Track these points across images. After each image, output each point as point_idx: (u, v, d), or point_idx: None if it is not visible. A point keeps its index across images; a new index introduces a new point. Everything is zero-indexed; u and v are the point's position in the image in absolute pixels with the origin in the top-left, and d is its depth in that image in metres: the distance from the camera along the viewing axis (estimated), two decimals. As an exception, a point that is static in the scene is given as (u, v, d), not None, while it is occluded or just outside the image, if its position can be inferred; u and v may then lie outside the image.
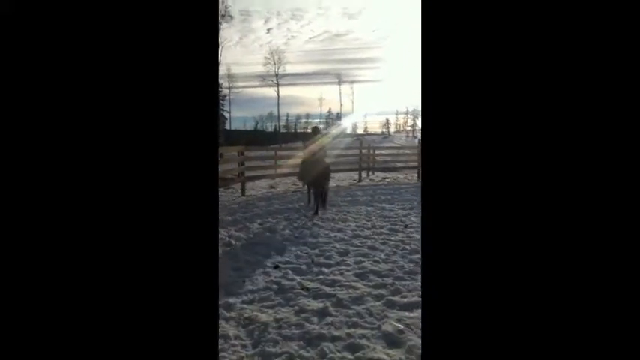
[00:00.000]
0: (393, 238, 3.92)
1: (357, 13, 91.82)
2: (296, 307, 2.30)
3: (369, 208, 5.57)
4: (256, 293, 2.52)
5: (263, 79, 38.44)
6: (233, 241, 3.77)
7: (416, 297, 2.42)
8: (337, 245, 3.65)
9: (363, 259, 3.23)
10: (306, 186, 5.93)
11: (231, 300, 2.40)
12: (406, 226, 4.43)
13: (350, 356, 1.81)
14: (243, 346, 1.90)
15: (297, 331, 2.02)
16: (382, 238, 3.89)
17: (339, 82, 49.46)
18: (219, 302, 2.34)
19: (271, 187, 7.85)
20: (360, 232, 4.15)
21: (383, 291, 2.54)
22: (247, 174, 7.25)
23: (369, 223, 4.64)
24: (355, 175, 9.52)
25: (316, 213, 5.07)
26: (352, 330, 2.03)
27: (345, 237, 3.96)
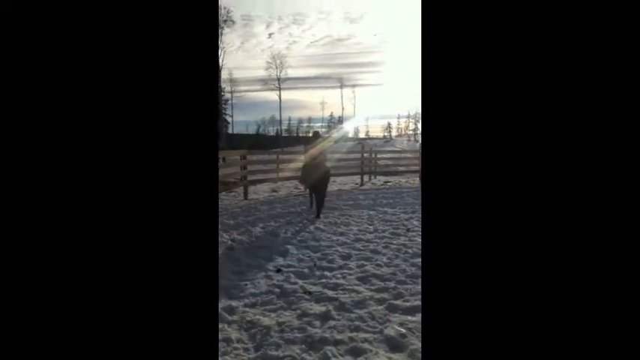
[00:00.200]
0: (395, 241, 3.91)
1: (359, 18, 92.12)
2: (298, 311, 2.30)
3: (371, 212, 5.56)
4: (258, 297, 2.53)
5: (265, 83, 38.59)
6: (235, 245, 3.78)
7: (418, 301, 2.41)
8: (339, 249, 3.65)
9: (365, 262, 3.22)
10: (307, 189, 5.94)
11: (234, 303, 2.40)
12: (408, 230, 4.43)
13: (352, 360, 1.80)
14: (246, 350, 1.90)
15: (299, 335, 2.02)
16: (384, 242, 3.89)
17: (341, 86, 49.58)
18: (222, 306, 2.34)
19: (273, 190, 7.85)
20: (362, 236, 4.15)
21: (385, 295, 2.54)
22: (250, 178, 7.27)
23: (371, 226, 4.64)
24: (357, 179, 9.52)
25: (318, 216, 5.09)
26: (354, 334, 2.03)
27: (348, 241, 3.96)
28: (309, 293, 2.59)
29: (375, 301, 2.44)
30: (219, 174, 6.12)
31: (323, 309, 2.31)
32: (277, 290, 2.64)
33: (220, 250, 3.56)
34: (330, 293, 2.57)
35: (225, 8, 24.83)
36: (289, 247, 3.71)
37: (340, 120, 52.91)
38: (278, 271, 3.04)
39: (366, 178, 9.84)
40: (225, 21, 24.85)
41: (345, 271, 3.03)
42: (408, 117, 54.00)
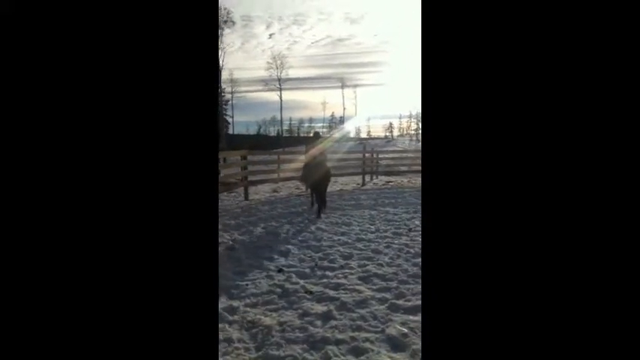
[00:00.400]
0: (396, 241, 3.91)
1: (359, 18, 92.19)
2: (300, 311, 2.30)
3: (372, 212, 5.56)
4: (260, 297, 2.53)
5: (266, 83, 38.67)
6: (236, 245, 3.78)
7: (420, 301, 2.40)
8: (341, 249, 3.65)
9: (366, 262, 3.22)
10: (309, 189, 5.95)
11: (235, 303, 2.40)
12: (410, 230, 4.42)
13: (354, 360, 1.80)
14: (247, 350, 1.89)
15: (301, 335, 2.01)
16: (386, 242, 3.88)
17: (342, 86, 49.60)
18: (223, 306, 2.34)
19: (274, 191, 7.85)
20: (363, 236, 4.15)
21: (387, 294, 2.53)
22: (250, 178, 7.27)
23: (372, 226, 4.64)
24: (359, 179, 9.52)
25: (319, 216, 5.09)
26: (356, 333, 2.02)
27: (349, 240, 3.96)
28: (311, 293, 2.58)
29: (376, 301, 2.43)
30: (220, 174, 6.13)
31: (324, 309, 2.31)
32: (278, 290, 2.63)
33: (221, 251, 3.56)
34: (332, 293, 2.57)
35: (225, 9, 24.90)
36: (290, 247, 3.72)
37: (342, 120, 52.96)
38: (279, 271, 3.04)
39: (367, 178, 9.84)
40: (225, 22, 24.90)
41: (347, 270, 3.03)
42: (410, 117, 53.95)
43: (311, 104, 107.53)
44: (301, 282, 2.79)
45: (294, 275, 2.93)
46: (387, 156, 12.80)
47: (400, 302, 2.40)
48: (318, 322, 2.15)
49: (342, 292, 2.59)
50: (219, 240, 3.83)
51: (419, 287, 2.63)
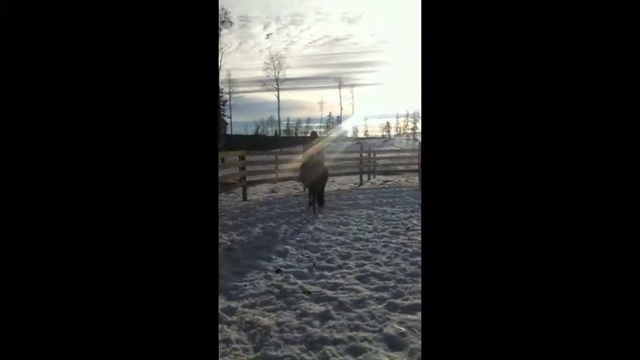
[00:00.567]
0: (394, 241, 3.92)
1: (357, 18, 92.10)
2: (298, 311, 2.30)
3: (370, 212, 5.57)
4: (258, 297, 2.53)
5: (263, 84, 38.71)
6: (235, 246, 3.78)
7: (418, 300, 2.41)
8: (339, 249, 3.65)
9: (364, 262, 3.23)
10: (307, 189, 5.96)
11: (233, 304, 2.40)
12: (407, 229, 4.43)
13: (352, 359, 1.80)
14: (245, 350, 1.90)
15: (299, 335, 2.02)
16: (383, 241, 3.89)
17: (340, 86, 49.69)
18: (221, 306, 2.34)
19: (272, 191, 7.85)
20: (361, 236, 4.15)
21: (385, 294, 2.54)
22: (248, 178, 7.27)
23: (370, 226, 4.64)
24: (356, 179, 9.52)
25: (316, 216, 5.10)
26: (354, 333, 2.03)
27: (347, 240, 3.96)
28: (309, 293, 2.59)
29: (374, 300, 2.44)
30: (218, 175, 6.12)
31: (322, 309, 2.32)
32: (277, 290, 2.64)
33: (220, 251, 3.56)
34: (330, 293, 2.57)
35: (222, 9, 24.86)
36: (288, 247, 3.72)
37: (339, 120, 52.98)
38: (277, 271, 3.04)
39: (365, 177, 9.85)
40: (222, 22, 24.86)
41: (345, 270, 3.03)
42: (407, 116, 54.06)
43: (308, 104, 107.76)
44: (299, 282, 2.79)
45: (292, 275, 2.93)
46: (384, 155, 12.83)
47: (398, 301, 2.41)
48: (316, 322, 2.15)
49: (340, 291, 2.60)
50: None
51: (417, 286, 2.64)
